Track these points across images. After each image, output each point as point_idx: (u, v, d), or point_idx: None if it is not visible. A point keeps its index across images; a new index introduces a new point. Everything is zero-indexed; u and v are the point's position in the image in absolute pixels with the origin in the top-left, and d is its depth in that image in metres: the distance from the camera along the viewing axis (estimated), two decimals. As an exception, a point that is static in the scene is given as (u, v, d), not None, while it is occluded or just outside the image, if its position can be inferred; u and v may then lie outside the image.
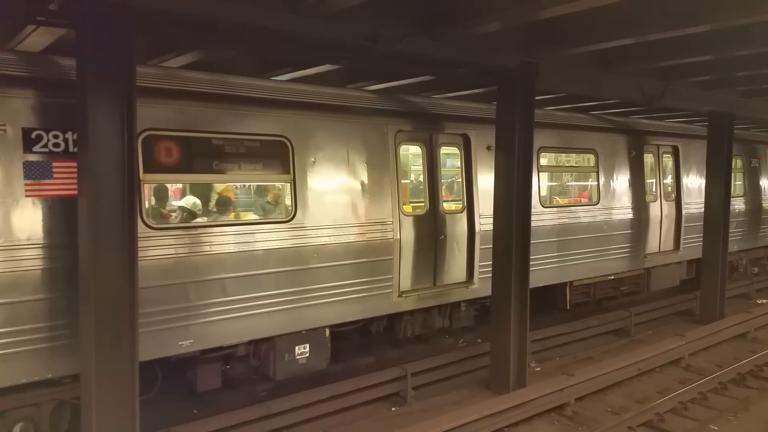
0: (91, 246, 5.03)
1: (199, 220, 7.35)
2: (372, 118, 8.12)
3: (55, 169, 5.74)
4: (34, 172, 5.65)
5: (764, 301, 14.48)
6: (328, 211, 7.58)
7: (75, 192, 5.41)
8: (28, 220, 5.64)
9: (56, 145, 5.74)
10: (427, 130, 8.79)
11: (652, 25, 6.55)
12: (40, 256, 5.66)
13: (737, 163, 14.56)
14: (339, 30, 6.07)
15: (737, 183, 14.70)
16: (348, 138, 7.83)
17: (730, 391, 8.89)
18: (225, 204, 8.08)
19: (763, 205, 15.70)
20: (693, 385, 8.67)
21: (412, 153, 9.96)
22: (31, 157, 5.64)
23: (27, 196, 5.63)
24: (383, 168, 8.15)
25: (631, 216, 11.76)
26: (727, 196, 12.17)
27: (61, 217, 5.72)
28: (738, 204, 14.47)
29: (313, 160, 7.47)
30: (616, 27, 6.75)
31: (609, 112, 12.97)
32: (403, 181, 8.68)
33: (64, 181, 5.76)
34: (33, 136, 5.65)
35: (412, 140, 8.83)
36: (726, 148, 12.07)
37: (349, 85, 9.51)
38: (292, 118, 7.34)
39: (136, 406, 5.32)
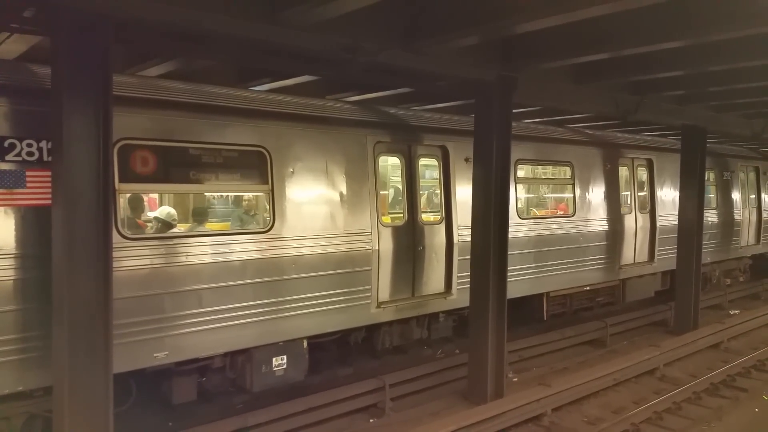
0: (65, 256, 4.96)
1: (174, 230, 7.28)
2: (351, 129, 8.13)
3: (28, 178, 5.66)
4: (6, 181, 5.56)
5: (737, 311, 14.73)
6: (306, 221, 7.56)
7: (49, 201, 5.32)
8: (0, 229, 5.53)
9: (30, 153, 5.66)
10: (406, 141, 8.83)
11: (627, 40, 6.67)
12: (12, 267, 5.56)
13: (710, 176, 14.83)
14: (318, 41, 6.09)
15: (710, 196, 14.96)
16: (327, 149, 7.83)
17: (704, 400, 9.02)
18: (201, 214, 8.01)
19: (735, 217, 16.00)
20: (668, 395, 8.78)
21: (391, 164, 9.99)
22: (4, 166, 5.55)
23: (-1, 205, 5.54)
24: (362, 179, 8.16)
25: (606, 228, 11.90)
26: (700, 209, 12.37)
27: (35, 226, 5.63)
28: (711, 216, 14.72)
29: (291, 170, 7.45)
30: (592, 42, 6.86)
31: (585, 125, 13.15)
32: (381, 192, 8.69)
33: (37, 190, 5.67)
34: (5, 144, 5.56)
35: (391, 151, 8.86)
36: (699, 162, 12.30)
37: (329, 96, 9.53)
38: (270, 129, 7.32)
39: (110, 419, 5.23)
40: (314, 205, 7.69)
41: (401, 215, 8.99)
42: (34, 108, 5.65)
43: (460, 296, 9.13)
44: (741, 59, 7.32)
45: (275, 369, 7.37)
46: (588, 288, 11.80)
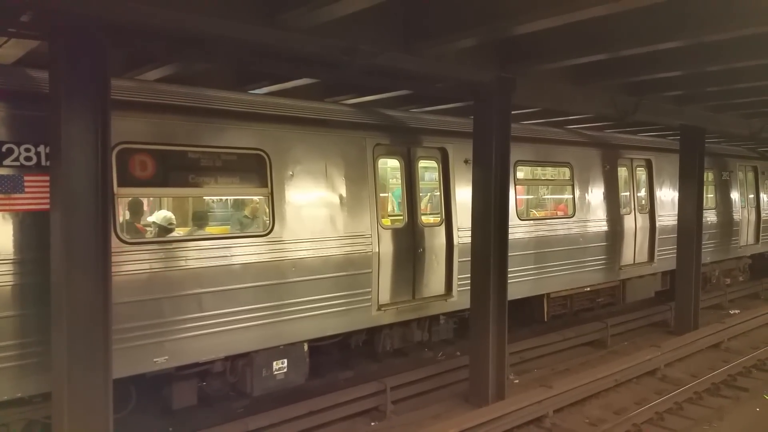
0: (63, 261, 4.94)
1: (174, 234, 7.26)
2: (350, 132, 8.12)
3: (26, 183, 5.64)
4: (4, 186, 5.53)
5: (737, 311, 14.72)
6: (306, 224, 7.54)
7: (47, 206, 5.32)
8: (-2, 235, 5.52)
9: (28, 158, 5.64)
10: (406, 143, 8.82)
11: (625, 40, 6.67)
12: (11, 272, 5.54)
13: (709, 176, 14.83)
14: (317, 44, 6.08)
15: (709, 196, 14.95)
16: (326, 151, 7.82)
17: (705, 400, 9.01)
18: (201, 218, 7.99)
19: (734, 217, 16.00)
20: (669, 396, 8.77)
21: (390, 166, 9.97)
22: (2, 171, 5.53)
23: (-3, 210, 5.52)
24: (362, 181, 8.15)
25: (606, 228, 11.90)
26: (699, 209, 12.37)
27: (33, 231, 5.61)
28: (710, 216, 14.72)
29: (291, 173, 7.44)
30: (590, 43, 6.86)
31: (584, 127, 13.15)
32: (381, 195, 8.68)
33: (36, 195, 5.65)
34: (3, 149, 5.53)
35: (390, 154, 8.85)
36: (698, 162, 12.30)
37: (328, 98, 9.52)
38: (269, 132, 7.30)
39: (110, 425, 5.21)
40: (314, 208, 7.67)
41: (401, 217, 8.97)
42: (32, 113, 5.63)
43: (461, 298, 9.12)
44: (738, 59, 7.33)
45: (276, 373, 7.35)
46: (588, 289, 11.80)
